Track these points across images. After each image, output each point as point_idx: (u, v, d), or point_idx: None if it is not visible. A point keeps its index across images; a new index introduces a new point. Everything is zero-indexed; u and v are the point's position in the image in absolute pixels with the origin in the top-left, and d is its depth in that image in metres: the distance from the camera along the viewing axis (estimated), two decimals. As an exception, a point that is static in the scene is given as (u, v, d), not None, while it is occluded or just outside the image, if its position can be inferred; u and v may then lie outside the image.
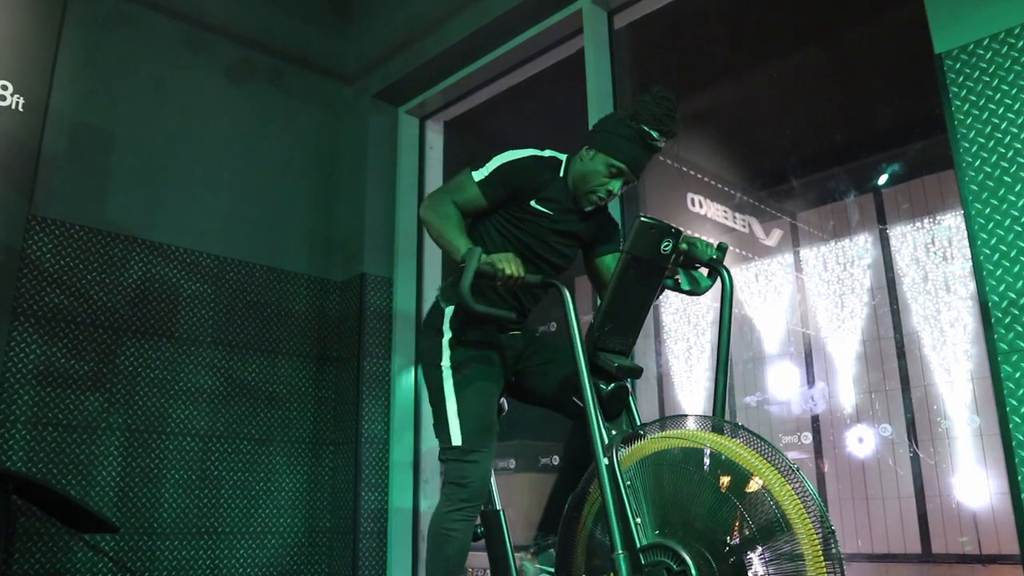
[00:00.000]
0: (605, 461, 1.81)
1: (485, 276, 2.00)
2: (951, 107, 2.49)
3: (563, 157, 2.31)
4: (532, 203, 2.23)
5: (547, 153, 2.30)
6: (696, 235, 2.17)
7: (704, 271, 2.19)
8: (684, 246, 2.12)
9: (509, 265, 2.00)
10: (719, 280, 2.14)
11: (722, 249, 2.16)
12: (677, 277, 2.19)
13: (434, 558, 2.15)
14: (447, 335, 2.23)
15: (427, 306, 4.43)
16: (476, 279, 1.99)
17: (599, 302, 2.27)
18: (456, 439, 2.14)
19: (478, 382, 2.20)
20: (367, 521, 3.99)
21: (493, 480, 2.25)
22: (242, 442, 3.91)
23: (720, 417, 1.91)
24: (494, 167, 2.22)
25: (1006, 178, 2.35)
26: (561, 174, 2.28)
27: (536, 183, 2.23)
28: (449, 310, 2.26)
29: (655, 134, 2.15)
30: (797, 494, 1.65)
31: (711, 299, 6.74)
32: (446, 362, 2.21)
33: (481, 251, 2.01)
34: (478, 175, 2.22)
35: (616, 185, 2.22)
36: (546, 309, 3.32)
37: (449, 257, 2.15)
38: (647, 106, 2.15)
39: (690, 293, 2.21)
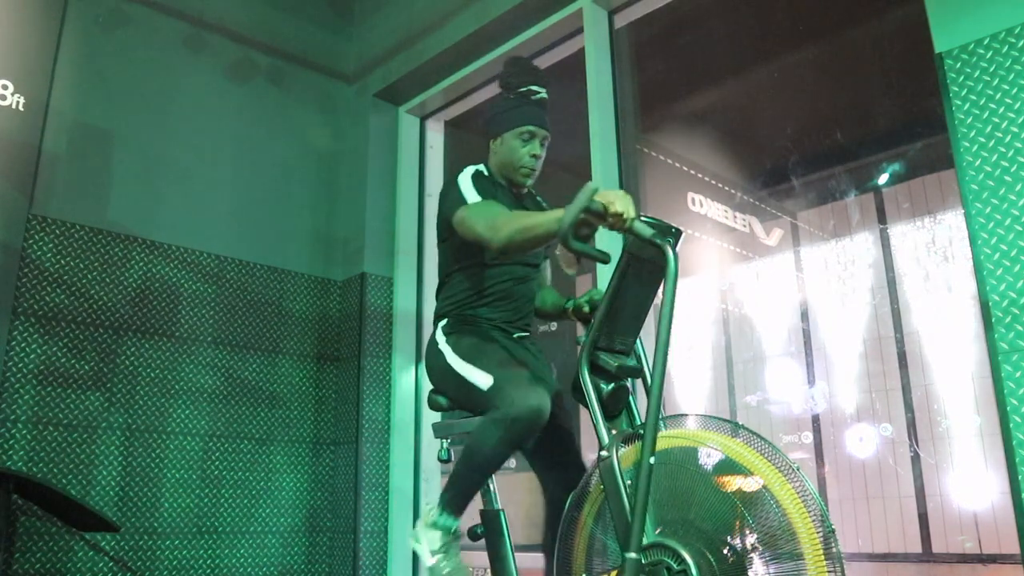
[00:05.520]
0: (604, 460, 1.81)
1: (592, 214, 1.83)
2: (951, 107, 2.49)
3: (479, 166, 2.38)
4: None
5: (468, 169, 2.35)
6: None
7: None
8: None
9: (620, 202, 1.83)
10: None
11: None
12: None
13: (462, 464, 2.05)
14: (442, 339, 2.29)
15: (427, 306, 4.46)
16: (578, 219, 1.81)
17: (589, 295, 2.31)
18: (483, 384, 2.07)
19: (481, 342, 2.22)
20: (367, 521, 3.99)
21: (493, 480, 2.20)
22: (242, 441, 3.91)
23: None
24: (471, 184, 2.24)
25: (1007, 177, 2.35)
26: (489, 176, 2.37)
27: (495, 190, 2.31)
28: (441, 322, 2.34)
29: (534, 87, 2.32)
30: (797, 493, 1.65)
31: (711, 299, 6.74)
32: (445, 348, 2.25)
33: (595, 187, 1.83)
34: (473, 198, 2.19)
35: (536, 146, 2.32)
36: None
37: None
38: (511, 75, 2.34)
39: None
